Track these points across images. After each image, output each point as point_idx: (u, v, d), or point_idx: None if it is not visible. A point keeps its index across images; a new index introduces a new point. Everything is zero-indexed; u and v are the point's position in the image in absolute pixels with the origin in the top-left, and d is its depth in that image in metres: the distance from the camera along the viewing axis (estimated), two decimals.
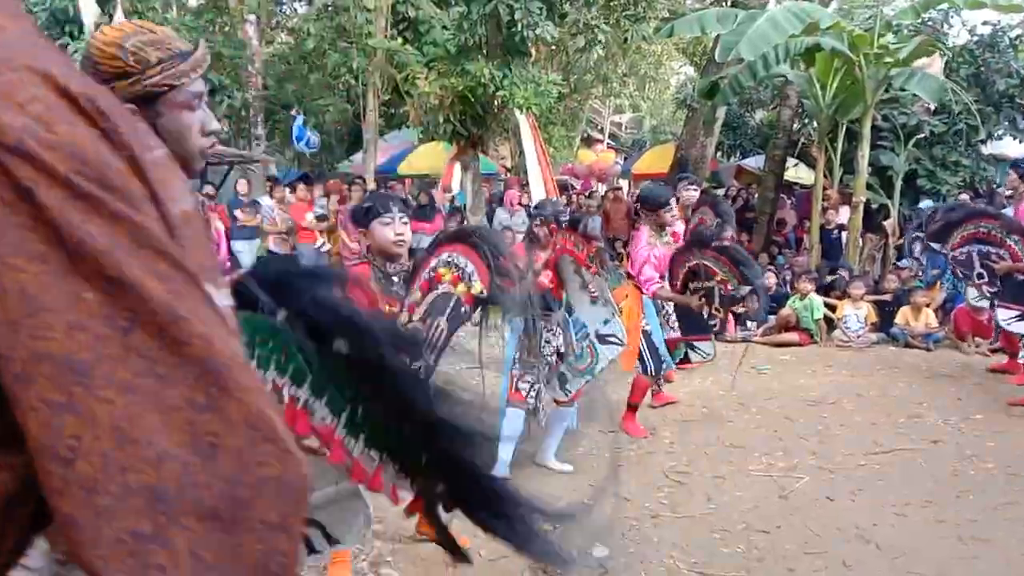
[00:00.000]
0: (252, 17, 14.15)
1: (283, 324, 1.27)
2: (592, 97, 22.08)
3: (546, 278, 4.64)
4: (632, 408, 5.61)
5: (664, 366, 5.71)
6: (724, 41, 9.59)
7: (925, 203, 11.68)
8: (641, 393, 5.64)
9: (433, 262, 2.86)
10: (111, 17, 11.12)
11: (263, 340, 1.28)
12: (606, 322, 4.87)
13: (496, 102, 9.61)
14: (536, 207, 4.72)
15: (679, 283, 5.53)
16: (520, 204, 11.66)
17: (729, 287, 5.44)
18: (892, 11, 13.27)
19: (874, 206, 12.60)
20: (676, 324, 5.86)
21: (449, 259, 2.80)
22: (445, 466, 1.32)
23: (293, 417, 1.32)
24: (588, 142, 23.57)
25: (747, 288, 5.65)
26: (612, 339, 4.89)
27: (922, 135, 12.39)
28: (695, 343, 6.03)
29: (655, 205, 5.43)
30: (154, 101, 1.50)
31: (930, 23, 13.50)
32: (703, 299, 5.37)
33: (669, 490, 4.54)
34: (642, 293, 5.44)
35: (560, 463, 4.78)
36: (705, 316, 5.62)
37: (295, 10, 16.98)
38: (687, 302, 5.40)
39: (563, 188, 16.73)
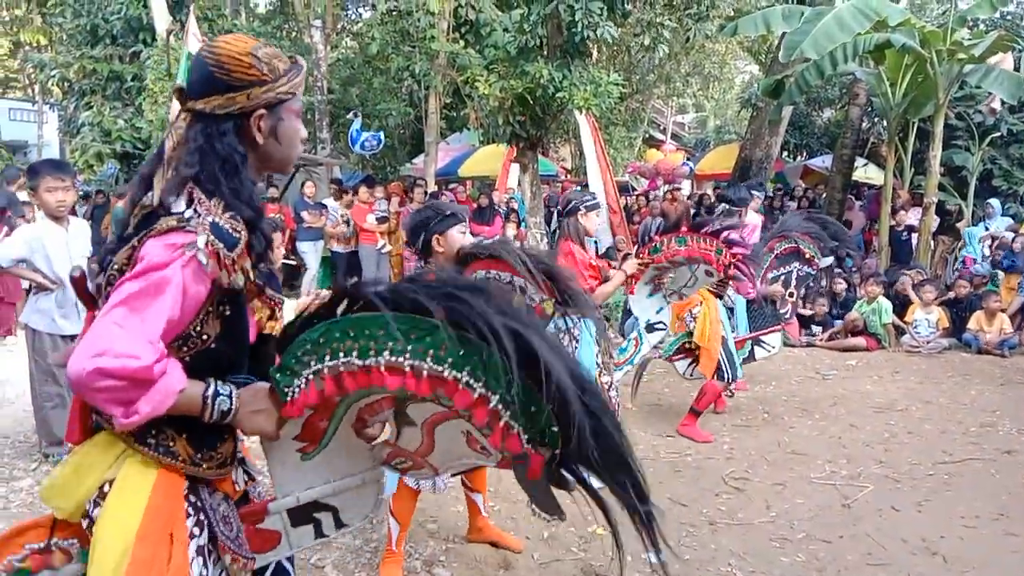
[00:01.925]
0: (318, 22, 14.40)
1: (442, 323, 1.44)
2: (654, 97, 21.89)
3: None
4: (695, 413, 5.55)
5: (738, 374, 5.69)
6: (788, 40, 9.40)
7: (993, 201, 11.22)
8: (708, 401, 5.57)
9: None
10: (183, 24, 11.48)
11: (418, 336, 1.46)
12: (659, 310, 5.02)
13: (555, 103, 9.58)
14: (568, 204, 4.62)
15: (764, 272, 5.73)
16: None
17: (815, 262, 5.83)
18: (967, 5, 12.85)
19: (950, 207, 12.22)
20: (740, 325, 5.89)
21: (488, 275, 2.74)
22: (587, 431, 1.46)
23: (453, 391, 1.48)
24: (650, 142, 23.39)
25: (828, 259, 5.89)
26: (659, 326, 5.10)
27: (999, 134, 11.96)
28: (761, 338, 6.02)
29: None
30: (277, 107, 1.64)
31: (1008, 16, 13.05)
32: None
33: (728, 497, 4.46)
34: (719, 298, 5.43)
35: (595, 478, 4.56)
36: (778, 304, 5.83)
37: (359, 15, 17.24)
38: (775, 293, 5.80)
39: (623, 189, 16.64)
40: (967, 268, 10.41)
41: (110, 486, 1.55)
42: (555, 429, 1.49)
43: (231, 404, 1.56)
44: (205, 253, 1.47)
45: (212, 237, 1.48)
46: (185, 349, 1.54)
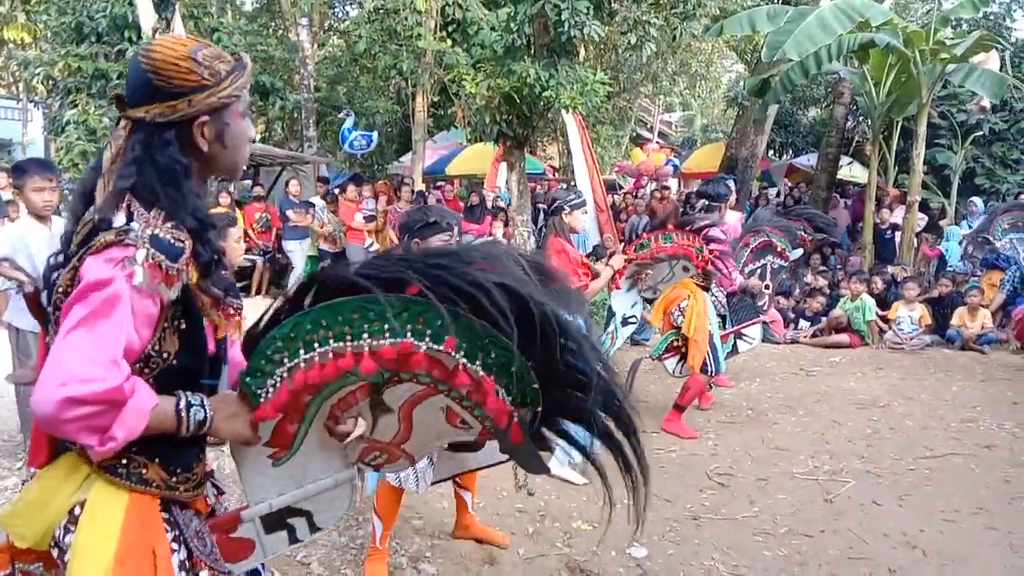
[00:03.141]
0: (304, 20, 14.37)
1: (412, 297, 1.46)
2: (641, 96, 21.93)
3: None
4: (679, 409, 5.59)
5: (721, 368, 5.77)
6: (771, 40, 9.46)
7: (976, 200, 11.35)
8: (692, 396, 5.63)
9: None
10: (168, 22, 11.43)
11: (396, 313, 1.47)
12: (634, 305, 5.16)
13: (543, 102, 9.60)
14: (554, 203, 4.69)
15: (742, 266, 5.88)
16: None
17: (786, 254, 6.04)
18: (950, 5, 12.95)
19: (933, 205, 12.34)
20: (720, 322, 5.96)
21: None
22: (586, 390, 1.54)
23: (434, 362, 1.51)
24: (637, 141, 23.45)
25: (798, 252, 6.21)
26: (632, 320, 5.19)
27: (981, 132, 12.08)
28: (743, 332, 6.14)
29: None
30: (221, 111, 1.57)
31: (991, 17, 13.16)
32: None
33: (712, 492, 4.51)
34: (706, 290, 5.50)
35: (573, 472, 4.48)
36: (756, 298, 6.01)
37: (346, 13, 17.21)
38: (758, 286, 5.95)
39: (611, 187, 16.69)
40: (932, 254, 10.55)
41: (81, 508, 1.50)
42: (535, 387, 1.53)
43: (206, 413, 1.52)
44: (144, 268, 1.40)
45: (152, 250, 1.41)
46: (147, 371, 1.49)
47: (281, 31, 16.61)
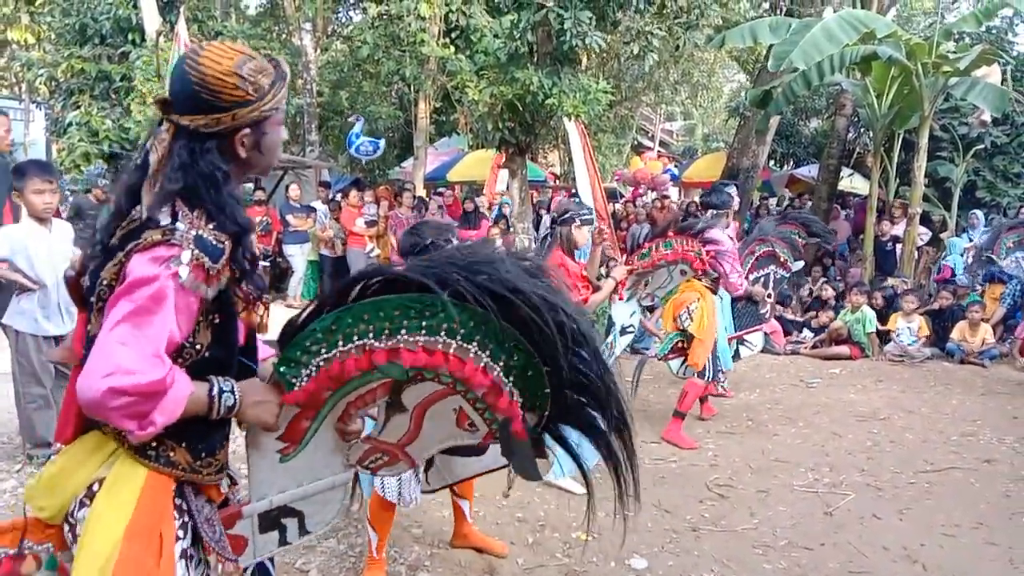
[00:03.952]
0: (308, 25, 14.40)
1: (449, 300, 1.54)
2: (643, 104, 21.97)
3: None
4: (679, 417, 5.57)
5: (721, 374, 5.82)
6: (776, 51, 9.47)
7: (978, 212, 11.37)
8: (691, 401, 5.61)
9: None
10: (172, 25, 11.44)
11: (432, 313, 1.56)
12: (632, 314, 5.16)
13: (545, 110, 9.61)
14: (564, 213, 4.69)
15: (746, 273, 5.91)
16: None
17: (788, 265, 6.12)
18: (953, 18, 12.97)
19: (934, 218, 12.35)
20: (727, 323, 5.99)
21: None
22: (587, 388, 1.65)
23: (462, 365, 1.59)
24: (639, 149, 23.49)
25: (799, 264, 6.34)
26: (631, 329, 5.20)
27: (982, 146, 12.09)
28: (745, 338, 6.16)
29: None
30: (263, 122, 1.65)
31: (993, 31, 13.19)
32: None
33: (711, 503, 4.49)
34: (715, 293, 5.51)
35: (573, 482, 4.32)
36: (759, 305, 6.08)
37: (350, 18, 17.22)
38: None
39: (611, 195, 16.70)
40: (940, 275, 10.54)
41: (99, 486, 1.56)
42: (546, 391, 1.61)
43: (235, 399, 1.61)
44: (188, 268, 1.49)
45: (197, 251, 1.50)
46: (181, 360, 1.57)
47: (284, 36, 16.62)
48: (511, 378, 1.60)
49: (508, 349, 1.58)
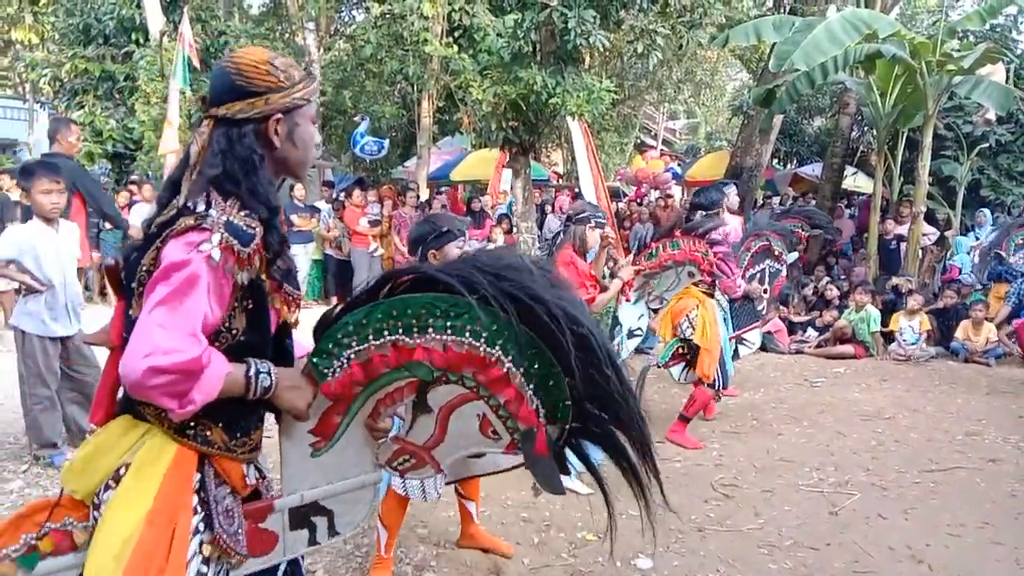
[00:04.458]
0: (311, 24, 14.39)
1: (473, 302, 1.59)
2: (646, 103, 21.95)
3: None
4: (684, 420, 5.57)
5: (729, 381, 5.80)
6: (779, 50, 9.46)
7: (985, 211, 11.36)
8: (698, 407, 5.60)
9: None
10: (176, 25, 11.45)
11: (457, 314, 1.62)
12: (640, 317, 5.16)
13: (549, 109, 9.60)
14: (581, 212, 4.72)
15: (744, 271, 5.84)
16: None
17: (783, 258, 6.04)
18: (957, 17, 12.93)
19: (940, 217, 12.33)
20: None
21: None
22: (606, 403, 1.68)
23: (485, 367, 1.65)
24: (641, 148, 23.47)
25: (793, 255, 6.26)
26: (638, 332, 5.21)
27: (987, 144, 12.06)
28: (743, 337, 6.10)
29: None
30: (293, 112, 1.76)
31: (998, 29, 13.16)
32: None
33: (716, 503, 4.49)
34: (712, 297, 5.51)
35: (579, 482, 4.20)
36: (756, 302, 5.99)
37: (353, 17, 17.21)
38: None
39: (615, 194, 16.69)
40: (947, 274, 10.53)
41: (126, 470, 1.62)
42: (567, 403, 1.64)
43: (271, 380, 1.67)
44: (219, 249, 1.56)
45: (226, 234, 1.57)
46: (217, 344, 1.63)
47: (288, 35, 16.60)
48: (531, 385, 1.64)
49: (529, 356, 1.61)
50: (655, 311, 5.49)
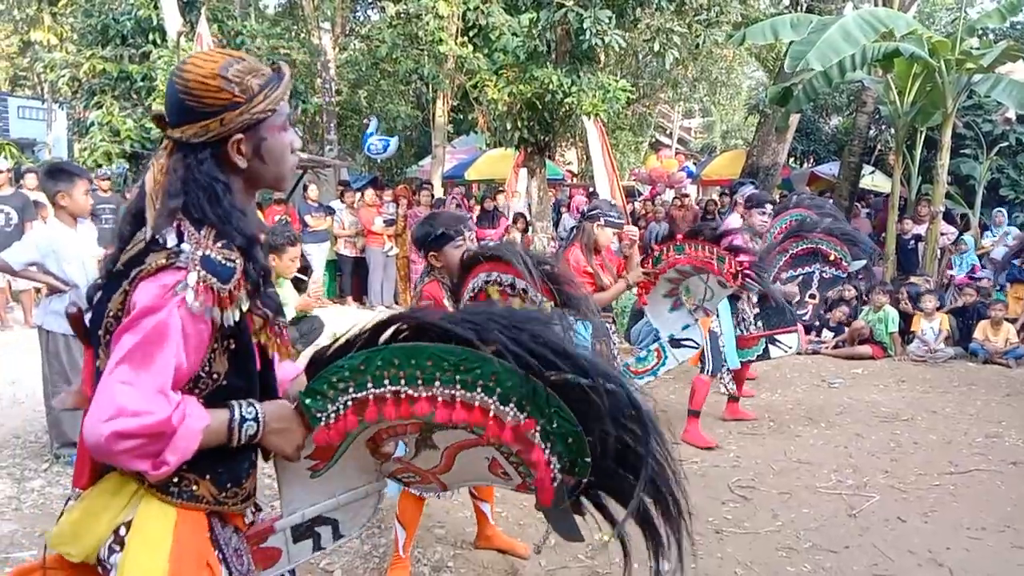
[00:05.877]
0: (327, 24, 14.47)
1: (489, 355, 1.43)
2: (661, 102, 21.89)
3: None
4: (694, 415, 5.55)
5: (726, 368, 5.71)
6: (794, 50, 9.41)
7: (1001, 211, 11.26)
8: (702, 398, 5.57)
9: (472, 282, 2.83)
10: (193, 25, 11.52)
11: (467, 368, 1.44)
12: (685, 327, 5.00)
13: (564, 109, 9.61)
14: (593, 210, 4.71)
15: (777, 272, 5.68)
16: None
17: (844, 265, 5.76)
18: (976, 15, 12.81)
19: (956, 215, 12.24)
20: (753, 322, 5.80)
21: (489, 278, 2.77)
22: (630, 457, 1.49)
23: (499, 427, 1.46)
24: (656, 147, 23.41)
25: (860, 263, 5.99)
26: (688, 343, 5.04)
27: (1007, 143, 11.96)
28: (777, 337, 5.89)
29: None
30: (257, 127, 1.53)
31: (1018, 27, 13.04)
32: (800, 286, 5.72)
33: (734, 505, 4.48)
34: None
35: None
36: (796, 305, 5.81)
37: (368, 17, 17.29)
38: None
39: (629, 193, 16.67)
40: (968, 273, 10.43)
41: (126, 529, 1.49)
42: (587, 460, 1.47)
43: (258, 428, 1.53)
44: (196, 291, 1.39)
45: (204, 273, 1.41)
46: (197, 391, 1.48)
47: (303, 35, 16.69)
48: (548, 443, 1.48)
49: (548, 415, 1.45)
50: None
